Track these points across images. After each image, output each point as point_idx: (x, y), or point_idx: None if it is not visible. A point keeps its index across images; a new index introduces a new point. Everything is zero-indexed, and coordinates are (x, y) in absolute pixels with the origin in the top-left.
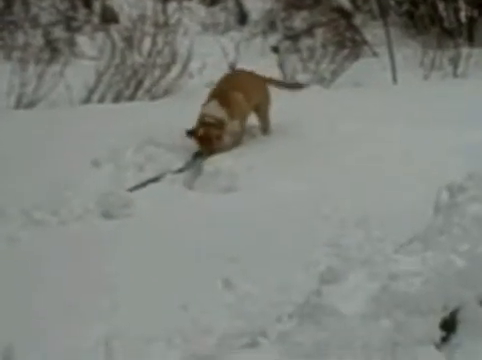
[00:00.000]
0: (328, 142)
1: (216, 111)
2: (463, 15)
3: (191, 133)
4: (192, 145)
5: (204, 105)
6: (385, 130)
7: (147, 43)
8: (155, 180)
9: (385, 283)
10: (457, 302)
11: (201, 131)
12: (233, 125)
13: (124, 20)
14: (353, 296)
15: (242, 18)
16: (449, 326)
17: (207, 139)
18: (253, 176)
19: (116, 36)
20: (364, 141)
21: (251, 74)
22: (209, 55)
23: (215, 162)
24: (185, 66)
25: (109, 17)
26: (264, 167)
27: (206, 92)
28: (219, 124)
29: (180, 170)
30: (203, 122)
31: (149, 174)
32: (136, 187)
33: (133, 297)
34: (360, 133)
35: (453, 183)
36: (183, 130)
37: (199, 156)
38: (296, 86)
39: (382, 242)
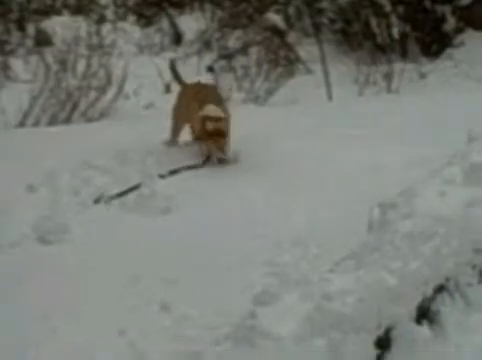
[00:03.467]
0: (262, 161)
1: (217, 111)
2: (395, 31)
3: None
4: (130, 168)
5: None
6: (319, 148)
7: (82, 65)
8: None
9: (319, 303)
10: (390, 320)
11: (211, 126)
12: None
13: (58, 42)
14: (287, 317)
15: (177, 38)
16: (383, 344)
17: (218, 134)
18: (189, 197)
19: (50, 59)
20: (299, 159)
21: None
22: (145, 76)
23: (152, 184)
24: (121, 88)
25: (43, 40)
26: (199, 188)
27: (144, 114)
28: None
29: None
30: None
31: (86, 198)
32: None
33: (70, 323)
34: (294, 152)
35: (385, 200)
36: (120, 152)
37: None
38: None
39: (320, 259)
